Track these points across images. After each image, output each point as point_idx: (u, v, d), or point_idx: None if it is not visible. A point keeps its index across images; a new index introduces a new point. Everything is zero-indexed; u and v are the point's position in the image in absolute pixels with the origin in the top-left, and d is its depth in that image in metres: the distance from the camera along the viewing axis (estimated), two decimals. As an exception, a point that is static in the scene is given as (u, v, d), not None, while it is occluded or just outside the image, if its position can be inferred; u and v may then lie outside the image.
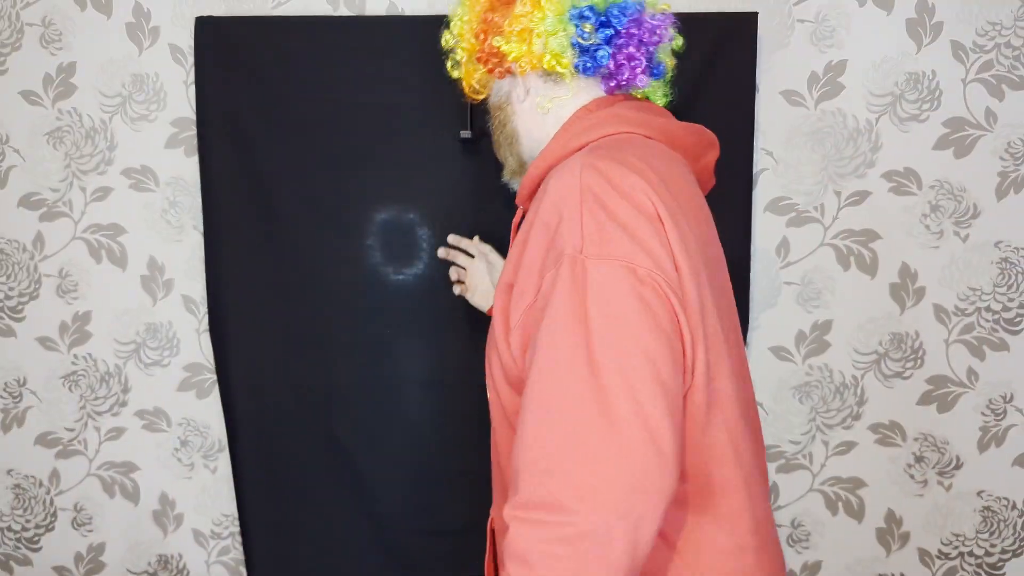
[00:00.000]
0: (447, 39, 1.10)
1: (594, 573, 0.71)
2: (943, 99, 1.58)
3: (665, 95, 1.07)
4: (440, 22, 1.54)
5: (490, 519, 1.05)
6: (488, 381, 0.99)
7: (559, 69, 0.97)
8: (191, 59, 1.62)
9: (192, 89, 1.63)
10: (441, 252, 1.50)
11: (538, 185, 0.98)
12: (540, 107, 1.01)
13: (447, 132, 1.54)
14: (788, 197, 1.62)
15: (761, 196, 1.62)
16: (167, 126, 1.66)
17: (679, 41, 1.05)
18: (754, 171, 1.60)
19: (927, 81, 1.58)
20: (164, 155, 1.67)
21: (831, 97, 1.59)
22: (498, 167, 1.55)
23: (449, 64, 1.12)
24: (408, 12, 1.61)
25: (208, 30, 1.56)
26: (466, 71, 1.08)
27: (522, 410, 0.79)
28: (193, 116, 1.64)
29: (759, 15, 1.54)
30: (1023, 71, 1.57)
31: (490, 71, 1.04)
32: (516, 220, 1.08)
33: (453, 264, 1.50)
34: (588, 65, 0.97)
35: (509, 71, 1.02)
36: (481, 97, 1.11)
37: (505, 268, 0.91)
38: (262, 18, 1.57)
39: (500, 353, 0.90)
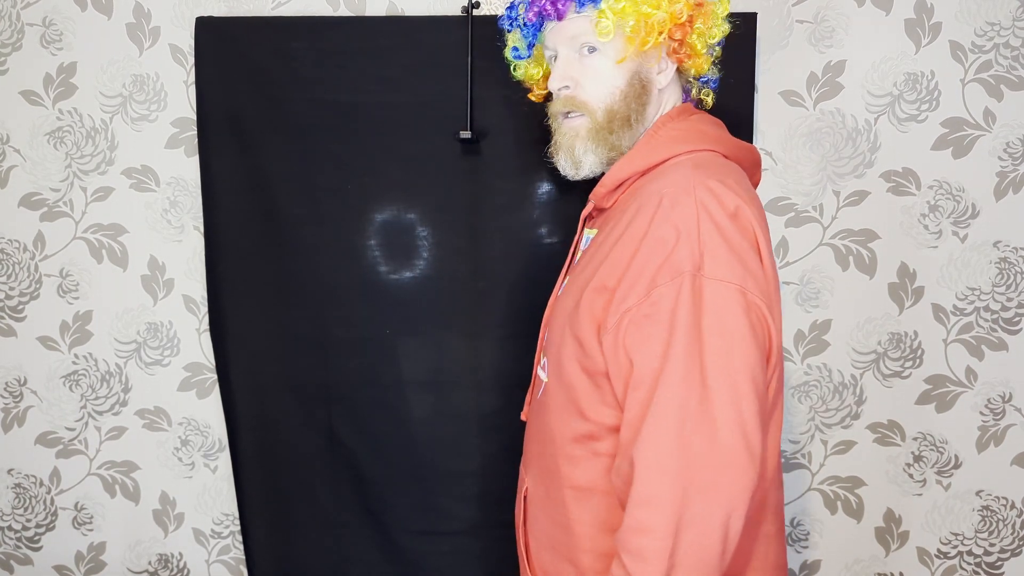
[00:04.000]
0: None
1: (693, 560, 0.84)
2: (942, 99, 1.58)
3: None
4: (440, 23, 1.55)
5: (524, 489, 1.13)
6: (550, 367, 1.06)
7: (695, 72, 1.11)
8: (191, 59, 1.62)
9: (192, 89, 1.63)
10: None
11: (618, 187, 1.06)
12: (665, 89, 1.09)
13: (447, 132, 1.55)
14: (787, 197, 1.63)
15: (760, 196, 1.63)
16: (168, 126, 1.66)
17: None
18: (753, 171, 1.60)
19: (926, 81, 1.58)
20: (165, 155, 1.67)
21: (830, 97, 1.59)
22: (497, 166, 1.56)
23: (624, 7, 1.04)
24: (408, 12, 1.61)
25: (208, 30, 1.56)
26: (641, 36, 1.04)
27: (636, 410, 0.89)
28: (193, 116, 1.64)
29: (758, 15, 1.55)
30: (1021, 71, 1.57)
31: (673, 53, 1.08)
32: (585, 213, 1.14)
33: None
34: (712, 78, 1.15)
35: (680, 59, 1.09)
36: (620, 61, 1.06)
37: (598, 269, 0.98)
38: (262, 18, 1.57)
39: (585, 347, 0.97)
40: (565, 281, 1.15)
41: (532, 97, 1.28)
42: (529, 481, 1.12)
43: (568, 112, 1.08)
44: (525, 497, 1.13)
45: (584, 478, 1.01)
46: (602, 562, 1.01)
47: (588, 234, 1.15)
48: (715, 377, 0.86)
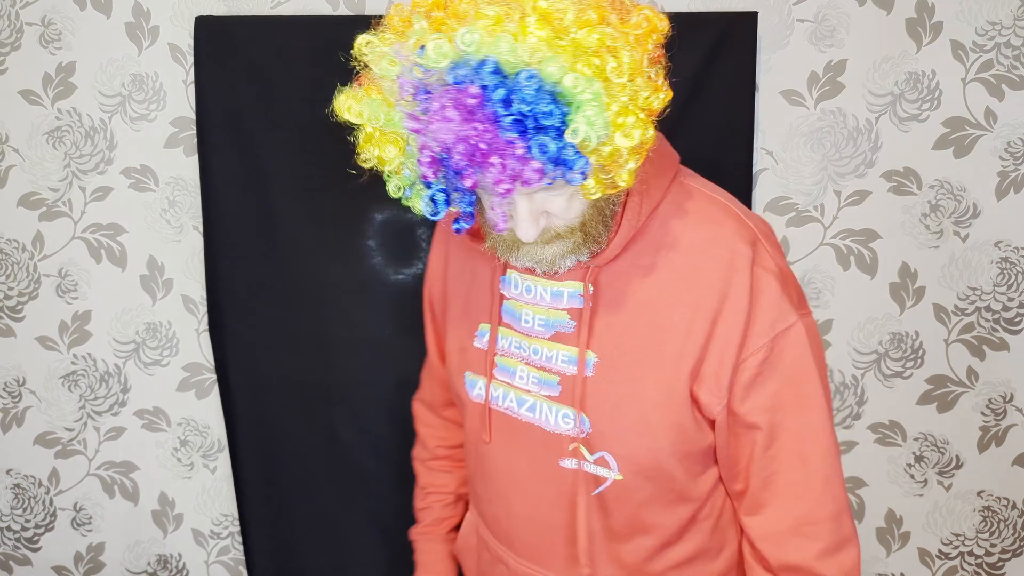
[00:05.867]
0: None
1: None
2: (943, 99, 1.58)
3: None
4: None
5: None
6: (624, 463, 0.93)
7: None
8: (191, 59, 1.62)
9: (192, 89, 1.63)
10: None
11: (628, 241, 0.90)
12: None
13: (447, 132, 1.54)
14: (788, 197, 1.62)
15: (761, 196, 1.62)
16: (167, 126, 1.66)
17: None
18: (754, 171, 1.60)
19: (927, 81, 1.58)
20: (164, 155, 1.67)
21: (831, 97, 1.59)
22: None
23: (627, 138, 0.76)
24: (408, 12, 1.61)
25: (208, 30, 1.56)
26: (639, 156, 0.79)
27: (783, 465, 0.90)
28: (193, 116, 1.64)
29: (759, 15, 1.54)
30: (1023, 71, 1.57)
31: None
32: (590, 279, 0.91)
33: None
34: None
35: None
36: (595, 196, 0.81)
37: (684, 346, 0.87)
38: (262, 18, 1.57)
39: (686, 433, 0.92)
40: (593, 358, 0.92)
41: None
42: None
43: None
44: None
45: (686, 550, 0.99)
46: None
47: (576, 287, 0.93)
48: (829, 402, 0.92)
